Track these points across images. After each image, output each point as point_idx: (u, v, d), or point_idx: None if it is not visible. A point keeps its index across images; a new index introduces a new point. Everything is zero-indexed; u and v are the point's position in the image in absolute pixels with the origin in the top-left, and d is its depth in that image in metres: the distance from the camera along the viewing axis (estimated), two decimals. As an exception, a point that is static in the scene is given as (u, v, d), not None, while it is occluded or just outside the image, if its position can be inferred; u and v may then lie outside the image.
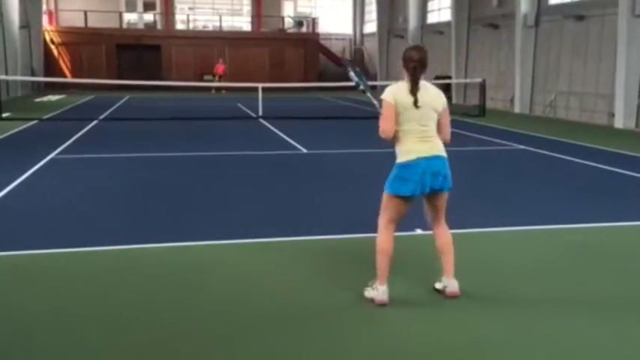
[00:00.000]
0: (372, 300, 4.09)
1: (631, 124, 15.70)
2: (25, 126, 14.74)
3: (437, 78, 25.96)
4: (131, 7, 36.76)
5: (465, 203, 7.11)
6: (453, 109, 17.63)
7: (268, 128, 15.01)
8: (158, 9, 36.95)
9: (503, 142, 12.71)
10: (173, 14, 37.03)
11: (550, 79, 19.47)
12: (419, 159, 3.96)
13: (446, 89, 25.93)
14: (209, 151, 11.13)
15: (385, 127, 3.96)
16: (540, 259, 5.10)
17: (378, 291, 4.07)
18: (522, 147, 11.88)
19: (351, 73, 4.48)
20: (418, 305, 4.13)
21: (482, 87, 19.15)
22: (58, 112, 19.14)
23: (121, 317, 3.88)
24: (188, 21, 37.12)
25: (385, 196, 4.09)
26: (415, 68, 3.92)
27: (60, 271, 4.77)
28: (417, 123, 3.97)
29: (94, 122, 15.83)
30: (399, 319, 3.90)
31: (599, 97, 17.30)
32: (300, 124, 16.05)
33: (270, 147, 11.84)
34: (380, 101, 4.08)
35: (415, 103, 3.91)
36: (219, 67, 31.29)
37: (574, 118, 18.09)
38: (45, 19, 32.47)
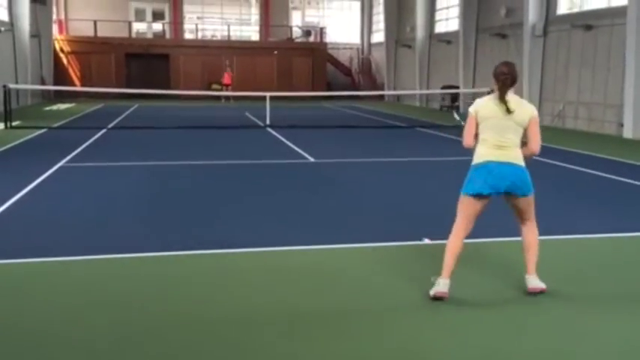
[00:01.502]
0: (434, 293, 4.30)
1: (640, 134, 15.63)
2: (34, 134, 14.84)
3: (444, 87, 26.00)
4: (140, 17, 37.05)
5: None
6: (460, 118, 17.56)
7: (276, 137, 15.04)
8: (167, 18, 37.21)
9: (512, 151, 12.64)
10: (182, 24, 37.27)
11: (558, 88, 19.43)
12: (488, 162, 4.29)
13: (453, 99, 26.00)
14: (218, 160, 11.15)
15: (465, 137, 4.42)
16: (558, 270, 5.07)
17: (439, 284, 4.29)
18: (531, 157, 11.82)
19: None
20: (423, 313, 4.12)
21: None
22: (67, 120, 19.27)
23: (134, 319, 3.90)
24: (197, 30, 37.37)
25: (460, 198, 4.41)
26: (505, 80, 4.26)
27: (72, 278, 4.78)
28: (495, 132, 4.30)
29: (103, 131, 15.92)
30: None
31: (608, 107, 17.24)
32: (308, 133, 16.08)
33: (278, 156, 11.86)
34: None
35: (508, 110, 4.23)
36: (226, 76, 31.53)
37: (583, 128, 18.03)
38: (55, 28, 32.77)
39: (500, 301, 4.38)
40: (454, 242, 4.35)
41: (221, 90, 31.06)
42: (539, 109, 20.18)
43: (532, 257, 4.44)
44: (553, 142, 14.48)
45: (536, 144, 4.38)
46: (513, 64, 4.40)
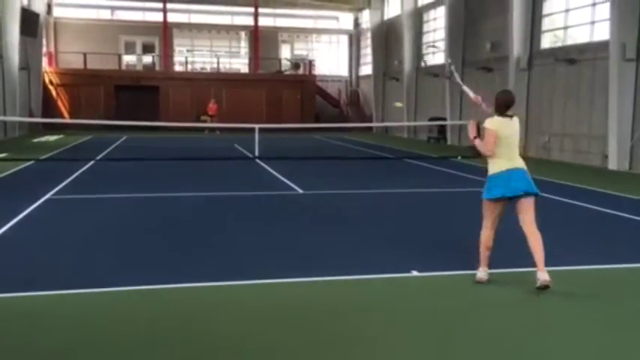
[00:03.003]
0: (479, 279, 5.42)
1: (624, 166, 15.83)
2: (22, 166, 14.76)
3: (432, 119, 26.27)
4: (130, 49, 37.29)
5: (460, 244, 7.11)
6: (447, 150, 17.65)
7: (265, 169, 15.07)
8: (157, 51, 37.48)
9: (499, 183, 12.72)
10: (172, 56, 37.55)
11: (544, 120, 19.70)
12: (508, 170, 5.35)
13: (440, 131, 26.25)
14: (207, 192, 11.14)
15: (489, 148, 5.39)
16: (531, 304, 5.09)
17: (479, 272, 5.45)
18: (517, 188, 11.90)
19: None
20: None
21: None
22: (55, 152, 19.21)
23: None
24: (186, 62, 37.65)
25: (483, 203, 5.48)
26: (507, 106, 5.46)
27: (55, 314, 4.73)
28: (509, 147, 5.42)
29: (91, 162, 15.89)
30: None
31: (593, 139, 17.48)
32: (297, 165, 16.13)
33: (266, 187, 11.87)
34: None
35: (508, 128, 5.41)
36: (212, 107, 31.64)
37: (568, 160, 18.23)
38: (45, 60, 32.90)
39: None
40: (484, 237, 5.42)
41: (208, 121, 31.14)
42: (525, 140, 20.47)
43: (539, 255, 5.16)
44: (539, 173, 14.59)
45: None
46: (510, 91, 5.74)
